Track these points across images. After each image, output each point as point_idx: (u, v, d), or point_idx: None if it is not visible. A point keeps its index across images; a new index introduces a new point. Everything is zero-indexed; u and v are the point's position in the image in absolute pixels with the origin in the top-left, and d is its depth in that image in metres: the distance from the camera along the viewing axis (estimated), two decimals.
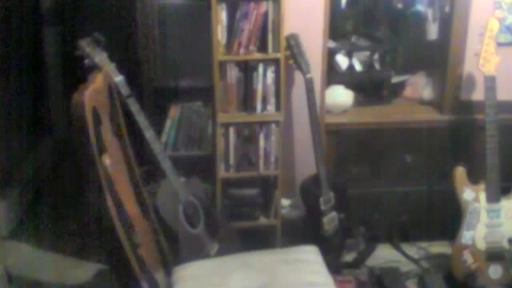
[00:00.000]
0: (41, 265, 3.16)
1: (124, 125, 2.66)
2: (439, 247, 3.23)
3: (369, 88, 3.31)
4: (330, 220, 2.97)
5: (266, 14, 2.79)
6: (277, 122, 2.95)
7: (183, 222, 2.70)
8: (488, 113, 2.78)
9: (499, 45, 2.82)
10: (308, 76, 2.85)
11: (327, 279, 2.27)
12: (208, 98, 3.32)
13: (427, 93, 3.32)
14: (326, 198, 2.94)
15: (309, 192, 2.98)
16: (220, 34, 2.79)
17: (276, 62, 2.86)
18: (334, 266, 2.76)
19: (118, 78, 2.53)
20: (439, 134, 3.19)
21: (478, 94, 3.03)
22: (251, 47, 2.83)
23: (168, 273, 2.53)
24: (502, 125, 2.82)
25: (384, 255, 3.18)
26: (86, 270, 3.10)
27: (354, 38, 3.35)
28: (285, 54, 2.85)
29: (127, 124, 2.66)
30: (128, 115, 2.60)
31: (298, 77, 2.93)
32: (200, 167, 3.28)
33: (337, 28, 3.23)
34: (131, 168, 2.70)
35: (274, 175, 3.04)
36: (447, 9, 3.14)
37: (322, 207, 2.93)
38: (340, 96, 3.20)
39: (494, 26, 2.75)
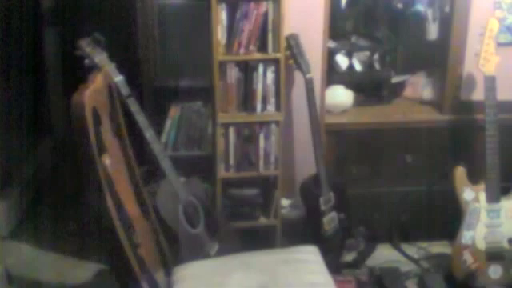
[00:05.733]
0: (41, 265, 3.16)
1: (124, 125, 2.66)
2: (439, 247, 3.23)
3: (369, 88, 3.31)
4: (330, 220, 2.97)
5: (266, 14, 2.79)
6: (277, 122, 2.95)
7: (183, 222, 2.70)
8: (488, 113, 2.78)
9: (499, 45, 2.82)
10: (308, 76, 2.85)
11: (327, 279, 2.27)
12: (208, 98, 3.32)
13: (427, 93, 3.32)
14: (326, 198, 2.94)
15: (309, 192, 2.98)
16: (220, 34, 2.79)
17: (276, 61, 2.86)
18: (334, 266, 2.76)
19: (118, 78, 2.53)
20: (439, 133, 3.19)
21: (478, 94, 3.03)
22: (251, 47, 2.83)
23: (168, 273, 2.53)
24: (502, 125, 2.82)
25: (384, 255, 3.18)
26: (86, 270, 3.10)
27: (354, 38, 3.35)
28: (285, 54, 2.85)
29: (127, 124, 2.66)
30: (128, 115, 2.60)
31: (298, 77, 2.93)
32: (200, 167, 3.28)
33: (337, 28, 3.23)
34: (131, 168, 2.70)
35: (274, 175, 3.04)
36: (447, 9, 3.14)
37: (322, 207, 2.93)
38: (340, 96, 3.20)
39: (494, 26, 2.75)
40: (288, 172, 3.13)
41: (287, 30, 2.85)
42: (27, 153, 3.76)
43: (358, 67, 3.25)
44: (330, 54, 3.13)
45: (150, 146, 2.63)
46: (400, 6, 3.36)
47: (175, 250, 2.72)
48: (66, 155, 3.86)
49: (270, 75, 2.88)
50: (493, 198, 2.84)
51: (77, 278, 3.05)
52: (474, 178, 2.86)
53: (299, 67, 2.85)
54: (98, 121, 2.37)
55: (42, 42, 4.05)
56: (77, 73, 2.46)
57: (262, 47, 2.86)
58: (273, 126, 2.95)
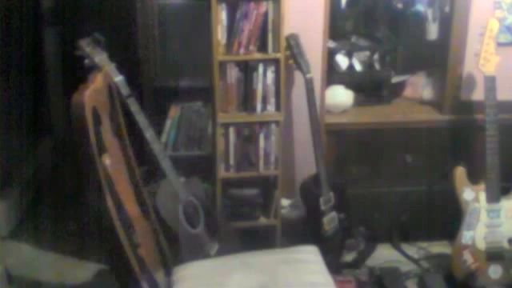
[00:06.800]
0: (41, 265, 3.16)
1: (124, 125, 2.66)
2: (439, 247, 3.23)
3: (369, 88, 3.31)
4: (330, 220, 2.97)
5: (266, 14, 2.79)
6: (277, 122, 2.95)
7: (183, 222, 2.70)
8: (488, 113, 2.78)
9: (499, 45, 2.82)
10: (308, 76, 2.85)
11: (327, 279, 2.27)
12: (208, 98, 3.32)
13: (427, 93, 3.32)
14: (326, 198, 2.94)
15: (309, 192, 2.98)
16: (220, 34, 2.79)
17: (276, 61, 2.86)
18: (334, 266, 2.76)
19: (118, 78, 2.53)
20: (439, 133, 3.19)
21: (478, 94, 3.03)
22: (251, 47, 2.83)
23: (168, 273, 2.53)
24: (502, 125, 2.82)
25: (384, 255, 3.18)
26: (86, 270, 3.10)
27: (354, 38, 3.35)
28: (285, 54, 2.85)
29: (127, 124, 2.66)
30: (128, 115, 2.60)
31: (298, 77, 2.94)
32: (200, 167, 3.28)
33: (337, 28, 3.23)
34: (131, 168, 2.70)
35: (274, 175, 3.04)
36: (447, 9, 3.14)
37: (322, 207, 2.93)
38: (340, 96, 3.20)
39: (494, 26, 2.75)
40: (288, 172, 3.13)
41: (287, 30, 2.85)
42: (27, 153, 3.76)
43: (358, 67, 3.25)
44: (330, 54, 3.13)
45: (149, 146, 2.63)
46: (400, 5, 3.36)
47: (175, 250, 2.72)
48: (66, 155, 3.87)
49: (270, 75, 2.88)
50: (493, 197, 2.84)
51: (77, 278, 3.05)
52: (474, 177, 2.85)
53: (299, 67, 2.85)
54: (98, 121, 2.37)
55: (42, 41, 4.05)
56: (77, 73, 2.46)
57: (262, 47, 2.86)
58: (273, 126, 2.95)
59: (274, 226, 3.10)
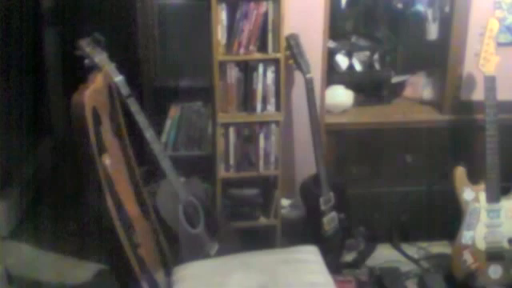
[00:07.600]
0: (41, 265, 3.16)
1: (124, 125, 2.66)
2: (439, 247, 3.23)
3: (369, 88, 3.31)
4: (330, 220, 2.97)
5: (266, 14, 2.79)
6: (277, 122, 2.95)
7: (183, 222, 2.70)
8: (488, 113, 2.78)
9: (499, 45, 2.82)
10: (308, 76, 2.85)
11: (327, 279, 2.27)
12: (208, 98, 3.33)
13: (427, 93, 3.32)
14: (326, 198, 2.94)
15: (309, 192, 2.98)
16: (220, 34, 2.79)
17: (276, 61, 2.86)
18: (334, 266, 2.76)
19: (118, 78, 2.53)
20: (439, 133, 3.19)
21: (478, 94, 3.03)
22: (251, 47, 2.83)
23: (168, 273, 2.53)
24: (502, 125, 2.82)
25: (384, 255, 3.18)
26: (86, 270, 3.10)
27: (354, 38, 3.35)
28: (285, 54, 2.85)
29: (127, 124, 2.66)
30: (128, 115, 2.60)
31: (298, 77, 2.94)
32: (200, 167, 3.28)
33: (337, 28, 3.23)
34: (131, 168, 2.70)
35: (274, 175, 3.04)
36: (447, 9, 3.14)
37: (322, 207, 2.93)
38: (340, 96, 3.20)
39: (494, 26, 2.75)
40: (288, 172, 3.13)
41: (287, 30, 2.85)
42: (27, 153, 3.76)
43: (358, 67, 3.25)
44: (330, 54, 3.13)
45: (149, 146, 2.63)
46: (400, 5, 3.36)
47: (175, 250, 2.72)
48: (66, 155, 3.87)
49: (270, 75, 2.88)
50: (493, 198, 2.84)
51: (77, 278, 3.05)
52: (474, 178, 2.86)
53: (299, 67, 2.85)
54: (98, 121, 2.37)
55: (42, 42, 4.05)
56: (77, 73, 2.46)
57: (262, 47, 2.86)
58: (273, 126, 2.95)
59: (274, 226, 3.10)
